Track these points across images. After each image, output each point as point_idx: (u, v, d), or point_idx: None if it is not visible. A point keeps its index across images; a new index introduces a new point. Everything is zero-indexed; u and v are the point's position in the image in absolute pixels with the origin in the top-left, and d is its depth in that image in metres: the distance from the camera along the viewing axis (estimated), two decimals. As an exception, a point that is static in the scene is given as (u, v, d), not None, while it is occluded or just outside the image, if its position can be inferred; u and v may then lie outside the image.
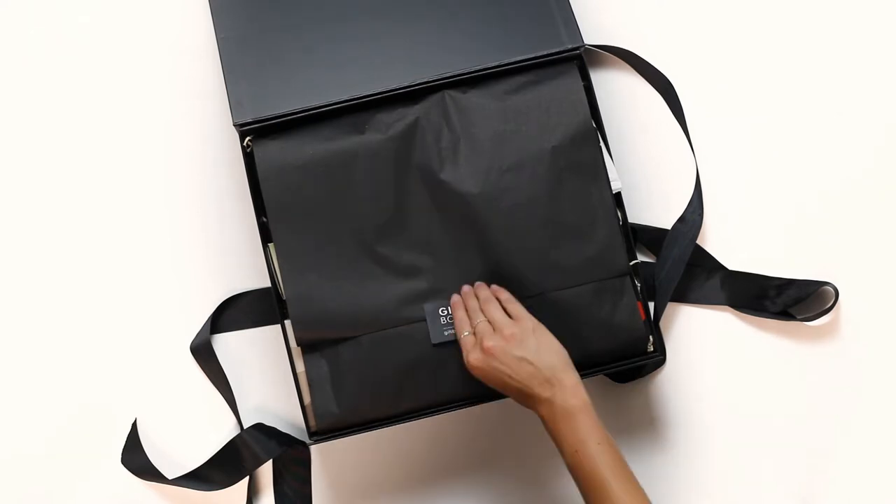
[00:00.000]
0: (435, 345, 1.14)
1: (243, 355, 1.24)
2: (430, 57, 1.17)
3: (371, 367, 1.14)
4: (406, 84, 1.16)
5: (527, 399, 1.09)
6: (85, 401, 1.24)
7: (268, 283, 1.19)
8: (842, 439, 1.25)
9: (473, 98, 1.16)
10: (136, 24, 1.29)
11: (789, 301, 1.23)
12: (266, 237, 1.18)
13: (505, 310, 1.12)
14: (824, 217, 1.27)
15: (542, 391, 1.07)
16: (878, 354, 1.25)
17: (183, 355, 1.24)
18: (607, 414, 1.25)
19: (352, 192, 1.15)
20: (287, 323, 1.16)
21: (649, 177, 1.26)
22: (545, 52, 1.18)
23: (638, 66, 1.28)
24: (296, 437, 1.21)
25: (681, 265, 1.23)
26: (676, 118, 1.28)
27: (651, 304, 1.22)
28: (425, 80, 1.17)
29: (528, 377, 1.08)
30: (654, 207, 1.26)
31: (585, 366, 1.15)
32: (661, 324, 1.23)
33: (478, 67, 1.17)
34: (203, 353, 1.23)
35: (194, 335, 1.24)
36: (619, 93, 1.28)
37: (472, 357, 1.10)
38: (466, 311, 1.13)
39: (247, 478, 1.22)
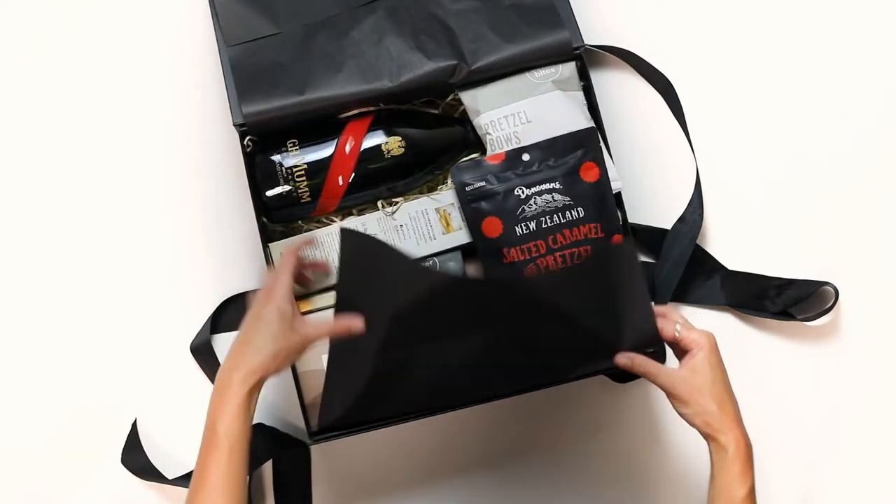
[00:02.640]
0: None
1: (243, 355, 1.24)
2: (429, 55, 1.18)
3: (370, 367, 1.14)
4: (407, 81, 1.17)
5: (728, 413, 1.07)
6: (85, 401, 1.24)
7: (268, 283, 1.19)
8: (842, 439, 1.25)
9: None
10: (135, 24, 1.28)
11: (789, 301, 1.23)
12: (266, 237, 1.18)
13: None
14: (824, 217, 1.27)
15: (739, 419, 1.06)
16: (877, 354, 1.26)
17: (183, 355, 1.24)
18: (607, 414, 1.25)
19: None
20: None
21: (649, 177, 1.27)
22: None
23: (638, 67, 1.28)
24: (296, 437, 1.21)
25: (681, 265, 1.23)
26: (676, 118, 1.28)
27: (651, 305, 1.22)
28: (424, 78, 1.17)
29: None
30: (655, 207, 1.26)
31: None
32: (662, 324, 1.23)
33: (478, 65, 1.17)
34: (203, 352, 1.24)
35: (194, 335, 1.24)
36: (619, 93, 1.28)
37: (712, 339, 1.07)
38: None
39: (247, 478, 1.22)
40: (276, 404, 1.24)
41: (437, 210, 1.19)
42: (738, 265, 1.26)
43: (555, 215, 1.16)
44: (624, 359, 1.09)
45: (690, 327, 1.08)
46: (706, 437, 1.06)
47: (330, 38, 1.19)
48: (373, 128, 1.18)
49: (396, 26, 1.19)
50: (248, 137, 1.19)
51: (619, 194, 1.19)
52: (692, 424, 1.07)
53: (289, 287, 1.05)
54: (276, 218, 1.19)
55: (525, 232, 1.16)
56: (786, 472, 1.24)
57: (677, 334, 1.07)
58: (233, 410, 1.00)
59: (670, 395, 1.07)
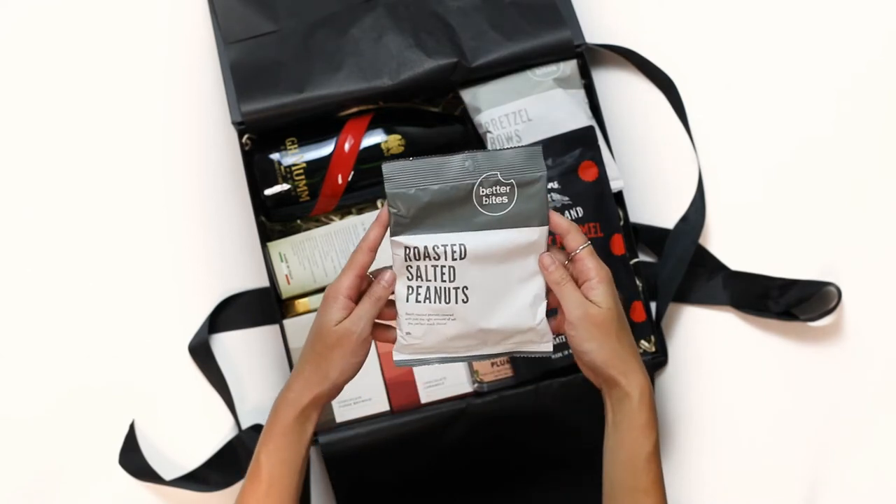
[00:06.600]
0: None
1: (241, 355, 1.24)
2: (429, 53, 1.17)
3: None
4: (407, 79, 1.16)
5: (632, 354, 0.93)
6: (82, 401, 1.23)
7: (266, 283, 1.18)
8: (845, 440, 1.24)
9: None
10: (134, 21, 1.28)
11: (792, 301, 1.22)
12: (264, 236, 1.18)
13: None
14: (827, 217, 1.26)
15: (643, 364, 0.94)
16: (880, 355, 1.25)
17: (181, 355, 1.24)
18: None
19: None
20: (286, 322, 1.16)
21: (651, 176, 1.26)
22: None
23: (640, 65, 1.27)
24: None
25: (683, 265, 1.22)
26: (678, 117, 1.27)
27: (653, 305, 1.21)
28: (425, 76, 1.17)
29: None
30: (656, 207, 1.25)
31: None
32: (663, 324, 1.23)
33: (478, 63, 1.17)
34: (201, 353, 1.23)
35: (192, 335, 1.23)
36: (620, 91, 1.27)
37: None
38: None
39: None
40: (275, 404, 1.24)
41: (437, 209, 1.18)
42: (741, 265, 1.25)
43: (554, 215, 1.15)
44: (548, 259, 0.94)
45: (594, 254, 0.94)
46: (606, 381, 0.93)
47: (329, 36, 1.19)
48: (372, 126, 1.18)
49: (396, 24, 1.19)
50: (246, 136, 1.19)
51: (620, 193, 1.19)
52: (591, 365, 0.93)
53: (371, 314, 0.95)
54: (275, 217, 1.19)
55: (524, 232, 1.15)
56: (789, 473, 1.24)
57: (579, 251, 0.93)
58: (277, 439, 0.95)
59: (573, 326, 0.92)
